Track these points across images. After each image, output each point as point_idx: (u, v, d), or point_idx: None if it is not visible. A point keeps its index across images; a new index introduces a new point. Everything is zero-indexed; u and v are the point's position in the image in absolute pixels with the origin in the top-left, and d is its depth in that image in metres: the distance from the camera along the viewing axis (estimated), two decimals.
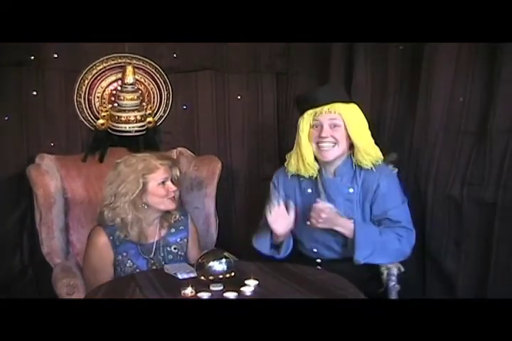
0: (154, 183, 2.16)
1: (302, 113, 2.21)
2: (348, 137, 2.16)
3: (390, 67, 2.61)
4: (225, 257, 1.85)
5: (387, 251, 2.12)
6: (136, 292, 1.86)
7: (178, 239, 2.29)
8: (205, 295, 1.79)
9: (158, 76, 2.91)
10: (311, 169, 2.20)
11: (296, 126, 2.25)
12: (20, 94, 2.77)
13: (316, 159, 2.21)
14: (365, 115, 2.22)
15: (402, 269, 2.17)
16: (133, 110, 2.80)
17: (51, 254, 2.55)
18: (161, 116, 2.95)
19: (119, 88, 2.84)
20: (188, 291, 1.79)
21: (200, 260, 1.87)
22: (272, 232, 2.20)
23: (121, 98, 2.80)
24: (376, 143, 2.21)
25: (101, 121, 2.83)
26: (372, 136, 2.21)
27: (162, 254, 2.24)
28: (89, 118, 2.86)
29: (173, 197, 2.20)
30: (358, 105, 2.22)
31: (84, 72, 2.82)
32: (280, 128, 3.07)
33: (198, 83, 2.98)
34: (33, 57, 2.74)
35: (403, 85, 2.59)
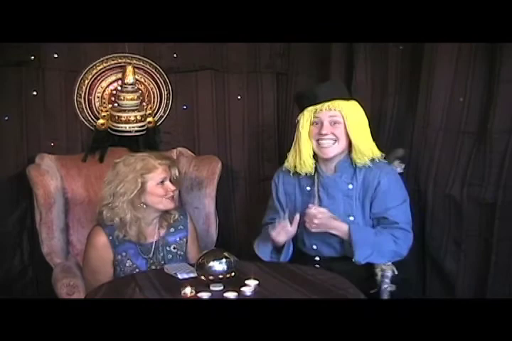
0: (153, 183, 2.16)
1: (302, 110, 2.21)
2: (348, 134, 2.16)
3: (390, 67, 2.60)
4: (225, 257, 1.85)
5: (383, 252, 2.13)
6: (136, 292, 1.86)
7: (178, 239, 2.29)
8: (205, 295, 1.80)
9: (158, 76, 2.91)
10: (306, 166, 2.20)
11: (295, 124, 2.25)
12: (20, 94, 2.78)
13: (314, 156, 2.21)
14: (365, 113, 2.22)
15: (396, 272, 2.17)
16: (133, 110, 2.80)
17: (51, 254, 2.55)
18: (161, 116, 2.95)
19: (119, 88, 2.84)
20: (188, 291, 1.79)
21: (200, 260, 1.87)
22: (273, 243, 2.22)
23: (122, 98, 2.80)
24: (376, 141, 2.21)
25: (101, 121, 2.83)
26: (372, 134, 2.21)
27: (161, 254, 2.24)
28: (89, 118, 2.86)
29: (172, 196, 2.21)
30: (358, 102, 2.22)
31: (84, 72, 2.82)
32: (280, 129, 3.06)
33: (198, 83, 2.98)
34: (33, 57, 2.74)
35: (403, 85, 2.59)
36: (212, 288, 1.83)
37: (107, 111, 2.84)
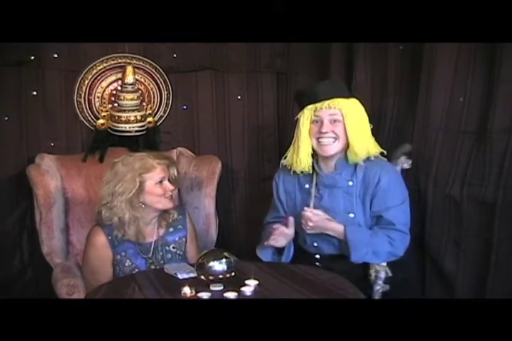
0: (151, 182, 2.16)
1: (302, 108, 2.21)
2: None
3: (390, 67, 2.60)
4: (225, 257, 1.85)
5: (378, 252, 2.14)
6: (136, 292, 1.86)
7: (177, 238, 2.29)
8: (205, 295, 1.80)
9: (158, 76, 2.91)
10: (302, 164, 2.20)
11: (295, 123, 2.25)
12: (20, 94, 2.77)
13: (314, 155, 2.21)
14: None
15: (390, 274, 2.18)
16: (133, 110, 2.80)
17: (51, 254, 2.55)
18: (161, 116, 2.95)
19: (119, 88, 2.84)
20: (188, 291, 1.79)
21: (200, 260, 1.87)
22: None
23: (122, 98, 2.80)
24: (376, 141, 2.21)
25: (101, 121, 2.83)
26: (372, 133, 2.21)
27: (161, 254, 2.25)
28: (89, 118, 2.86)
29: (171, 196, 2.21)
30: (358, 100, 2.22)
31: (84, 72, 2.82)
32: (280, 128, 3.06)
33: (198, 83, 2.98)
34: (33, 57, 2.74)
35: (403, 85, 2.59)
36: (212, 288, 1.83)
37: (107, 111, 2.84)
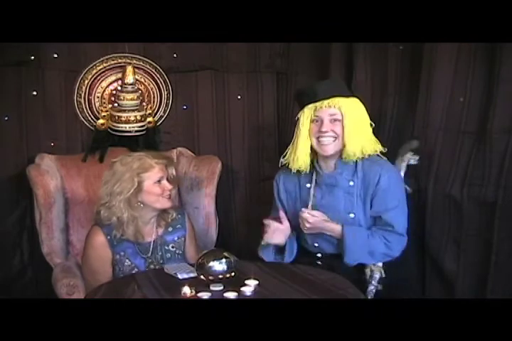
0: (150, 182, 2.17)
1: (302, 107, 2.21)
2: None
3: (390, 67, 2.60)
4: (225, 257, 1.85)
5: (373, 254, 2.14)
6: (136, 292, 1.86)
7: (176, 238, 2.29)
8: (205, 295, 1.79)
9: (158, 76, 2.91)
10: (299, 162, 2.20)
11: (295, 122, 2.25)
12: (20, 94, 2.78)
13: (314, 154, 2.21)
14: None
15: (384, 275, 2.17)
16: (133, 110, 2.80)
17: (51, 254, 2.55)
18: (161, 116, 2.95)
19: (119, 88, 2.85)
20: (188, 291, 1.79)
21: (200, 260, 1.87)
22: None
23: (121, 98, 2.80)
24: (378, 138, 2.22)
25: (101, 121, 2.83)
26: (373, 133, 2.21)
27: (160, 253, 2.25)
28: (89, 118, 2.86)
29: (169, 195, 2.21)
30: (359, 99, 2.22)
31: (84, 72, 2.82)
32: (280, 128, 3.06)
33: (198, 83, 2.98)
34: (33, 57, 2.74)
35: (403, 85, 2.59)
36: (212, 288, 1.83)
37: (106, 111, 2.84)
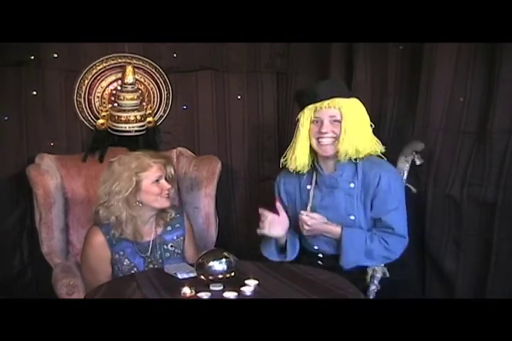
0: (148, 181, 2.17)
1: (302, 108, 2.21)
2: None
3: (390, 67, 2.60)
4: (225, 257, 1.85)
5: (372, 256, 2.14)
6: (136, 292, 1.86)
7: (175, 237, 2.30)
8: (205, 295, 1.80)
9: (158, 76, 2.91)
10: (297, 162, 2.20)
11: (296, 123, 2.25)
12: (19, 94, 2.78)
13: (315, 155, 2.21)
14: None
15: (388, 275, 2.17)
16: (133, 110, 2.80)
17: (51, 254, 2.55)
18: (161, 116, 2.95)
19: (119, 88, 2.85)
20: (188, 291, 1.79)
21: (200, 260, 1.87)
22: (275, 239, 2.24)
23: (121, 98, 2.80)
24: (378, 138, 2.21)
25: (101, 121, 2.83)
26: (373, 133, 2.21)
27: (159, 252, 2.25)
28: (89, 118, 2.86)
29: (168, 195, 2.21)
30: (359, 99, 2.22)
31: (84, 72, 2.82)
32: (280, 128, 3.07)
33: (198, 83, 2.98)
34: (33, 57, 2.74)
35: (403, 85, 2.59)
36: (212, 287, 1.83)
37: (106, 111, 2.84)
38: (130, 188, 2.14)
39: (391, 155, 2.26)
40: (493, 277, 2.29)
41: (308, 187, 2.25)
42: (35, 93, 2.78)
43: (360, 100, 2.22)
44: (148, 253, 2.24)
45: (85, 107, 2.85)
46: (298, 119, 2.22)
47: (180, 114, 2.98)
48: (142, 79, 2.89)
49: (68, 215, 2.65)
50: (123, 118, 2.79)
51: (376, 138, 2.20)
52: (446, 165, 2.41)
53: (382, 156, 2.19)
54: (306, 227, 2.15)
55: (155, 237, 2.26)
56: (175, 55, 2.92)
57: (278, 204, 2.20)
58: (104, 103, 2.87)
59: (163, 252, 2.26)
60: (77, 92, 2.83)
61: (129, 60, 2.85)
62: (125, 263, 2.21)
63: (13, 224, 2.81)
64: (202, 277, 1.85)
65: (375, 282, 2.17)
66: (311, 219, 2.14)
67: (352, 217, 2.18)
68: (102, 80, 2.86)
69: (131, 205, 2.17)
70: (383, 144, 2.21)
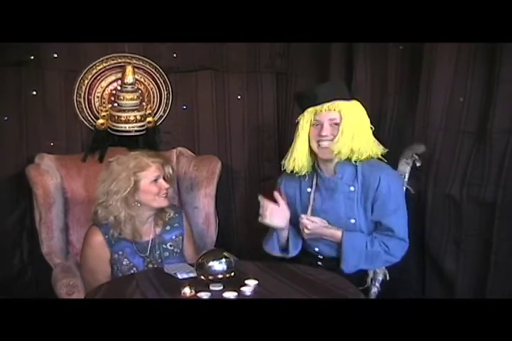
0: (146, 181, 2.17)
1: (303, 110, 2.21)
2: None
3: (390, 67, 2.60)
4: (225, 257, 1.85)
5: (373, 260, 2.14)
6: (136, 292, 1.86)
7: (174, 237, 2.30)
8: (204, 295, 1.80)
9: (158, 76, 2.91)
10: (296, 163, 2.20)
11: (296, 124, 2.25)
12: (19, 94, 2.78)
13: (315, 157, 2.21)
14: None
15: (388, 277, 2.17)
16: (133, 110, 2.80)
17: (51, 254, 2.55)
18: (161, 116, 2.95)
19: (118, 88, 2.85)
20: (188, 291, 1.79)
21: (200, 260, 1.87)
22: (277, 233, 2.24)
23: (121, 98, 2.80)
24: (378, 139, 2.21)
25: (101, 121, 2.83)
26: (373, 134, 2.21)
27: (158, 252, 2.25)
28: (89, 118, 2.86)
29: (166, 194, 2.22)
30: (359, 102, 2.22)
31: (84, 72, 2.82)
32: (280, 128, 3.07)
33: (198, 83, 2.98)
34: (32, 57, 2.74)
35: (403, 85, 2.59)
36: (211, 287, 1.83)
37: (106, 111, 2.84)
38: (128, 188, 2.14)
39: (391, 156, 2.26)
40: (493, 277, 2.29)
41: (309, 190, 2.25)
42: (35, 93, 2.78)
43: (360, 101, 2.22)
44: (148, 253, 2.24)
45: (85, 107, 2.85)
46: (298, 122, 2.22)
47: (180, 114, 2.98)
48: (142, 79, 2.89)
49: (68, 215, 2.65)
50: (123, 118, 2.79)
51: (377, 141, 2.19)
52: (446, 165, 2.41)
53: (383, 159, 2.19)
54: (306, 231, 2.16)
55: (154, 237, 2.26)
56: (175, 55, 2.92)
57: (276, 194, 2.19)
58: (104, 103, 2.87)
59: (162, 252, 2.26)
60: (77, 92, 2.83)
61: (128, 60, 2.85)
62: (124, 263, 2.21)
63: (13, 224, 2.81)
64: (202, 277, 1.86)
65: (377, 284, 2.17)
66: (312, 223, 2.15)
67: (352, 221, 2.17)
68: (102, 80, 2.86)
69: (129, 205, 2.17)
70: (383, 144, 2.21)
